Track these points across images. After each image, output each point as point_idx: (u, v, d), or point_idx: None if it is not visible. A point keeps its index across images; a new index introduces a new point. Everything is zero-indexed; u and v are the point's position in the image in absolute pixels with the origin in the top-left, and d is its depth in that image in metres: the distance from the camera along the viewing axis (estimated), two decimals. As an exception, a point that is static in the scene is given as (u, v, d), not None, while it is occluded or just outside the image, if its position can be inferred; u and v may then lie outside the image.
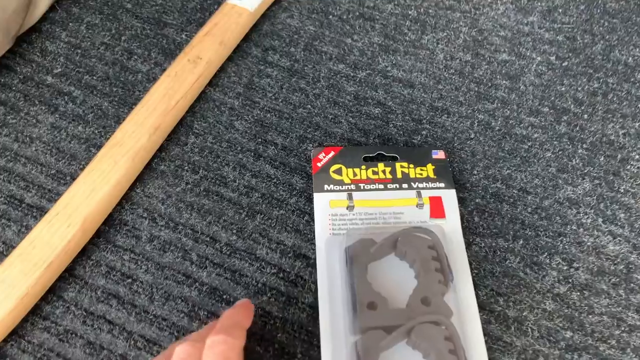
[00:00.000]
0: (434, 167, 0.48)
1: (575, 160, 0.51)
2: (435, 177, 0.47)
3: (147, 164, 0.49)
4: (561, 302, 0.43)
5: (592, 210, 0.48)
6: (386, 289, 0.40)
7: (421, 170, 0.47)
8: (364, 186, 0.47)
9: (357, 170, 0.47)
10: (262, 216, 0.47)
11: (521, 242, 0.46)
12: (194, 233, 0.46)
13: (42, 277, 0.41)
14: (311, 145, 0.50)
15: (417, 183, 0.47)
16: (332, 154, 0.48)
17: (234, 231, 0.46)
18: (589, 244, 0.46)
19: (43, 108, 0.52)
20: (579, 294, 0.44)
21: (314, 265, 0.45)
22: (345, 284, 0.42)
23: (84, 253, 0.45)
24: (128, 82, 0.54)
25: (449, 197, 0.46)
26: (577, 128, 0.53)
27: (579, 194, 0.49)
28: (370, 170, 0.47)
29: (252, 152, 0.50)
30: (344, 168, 0.47)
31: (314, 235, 0.46)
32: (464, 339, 0.39)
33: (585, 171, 0.50)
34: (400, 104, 0.53)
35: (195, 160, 0.49)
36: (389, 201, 0.46)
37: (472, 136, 0.52)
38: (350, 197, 0.46)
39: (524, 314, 0.43)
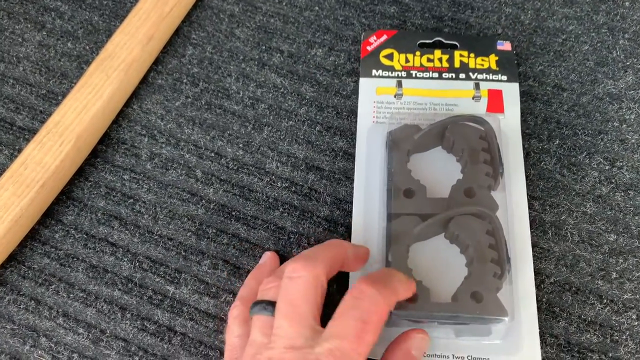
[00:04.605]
0: (497, 58, 0.43)
1: (616, 52, 0.45)
2: (497, 68, 0.42)
3: (143, 78, 0.45)
4: (603, 203, 0.39)
5: (636, 105, 0.43)
6: (427, 178, 0.37)
7: (482, 60, 0.43)
8: (416, 74, 0.43)
9: (410, 56, 0.43)
10: (270, 128, 0.43)
11: (557, 142, 0.42)
12: (197, 149, 0.42)
13: (36, 198, 0.38)
14: (321, 50, 0.46)
15: (476, 74, 0.42)
16: (384, 37, 0.44)
17: (240, 145, 0.42)
18: (632, 140, 0.42)
19: (29, 26, 0.48)
20: (623, 194, 0.40)
21: (328, 177, 0.41)
22: (383, 171, 0.39)
23: (81, 174, 0.42)
24: (118, -7, 0.49)
25: (511, 91, 0.42)
26: (618, 17, 0.47)
27: (621, 88, 0.44)
28: (425, 57, 0.43)
29: (255, 61, 0.46)
30: (395, 53, 0.43)
31: (327, 146, 0.42)
32: (508, 237, 0.35)
33: (628, 63, 0.45)
34: (418, 1, 0.48)
35: (194, 72, 0.45)
36: (443, 91, 0.42)
37: (500, 32, 0.46)
38: (399, 85, 0.42)
39: (562, 217, 0.39)
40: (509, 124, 0.41)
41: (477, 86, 0.42)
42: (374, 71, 0.43)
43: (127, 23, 0.45)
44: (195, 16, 0.48)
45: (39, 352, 0.36)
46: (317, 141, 0.42)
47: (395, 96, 0.42)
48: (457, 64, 0.43)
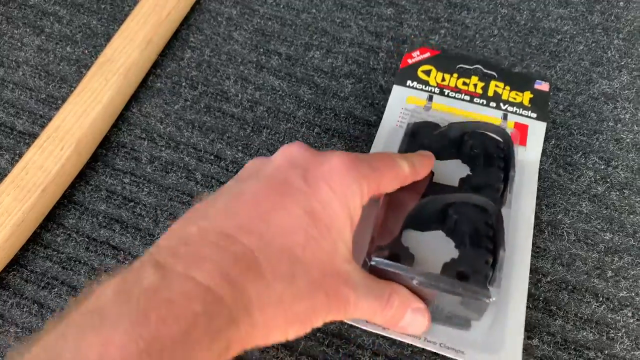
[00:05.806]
0: (531, 95, 0.43)
1: (611, 52, 0.46)
2: (529, 105, 0.43)
3: (142, 81, 0.45)
4: (599, 202, 0.40)
5: (631, 105, 0.43)
6: (438, 173, 0.37)
7: (516, 94, 0.43)
8: (448, 92, 0.43)
9: (447, 76, 0.44)
10: (268, 131, 0.43)
11: (553, 141, 0.42)
12: (196, 152, 0.43)
13: (37, 203, 0.38)
14: (318, 52, 0.46)
15: (507, 105, 0.43)
16: (427, 55, 0.45)
17: (240, 148, 0.43)
18: (627, 140, 0.42)
19: (28, 30, 0.48)
20: (618, 193, 0.40)
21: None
22: None
23: (82, 178, 0.42)
24: (116, -3, 0.50)
25: (537, 129, 0.41)
26: (612, 17, 0.47)
27: (616, 87, 0.44)
28: (461, 80, 0.44)
29: (253, 63, 0.46)
30: (434, 70, 0.44)
31: (325, 149, 0.42)
32: (508, 241, 0.35)
33: (622, 63, 0.45)
34: (414, 3, 0.48)
35: (193, 75, 0.46)
36: (470, 114, 0.42)
37: (496, 32, 0.47)
38: (430, 99, 0.43)
39: (558, 217, 0.39)
40: (527, 158, 0.40)
41: (505, 117, 0.42)
42: (408, 82, 0.44)
43: (126, 27, 0.45)
44: (194, 19, 0.48)
45: (43, 354, 0.36)
46: (316, 143, 0.43)
47: (424, 108, 0.43)
48: (490, 93, 0.43)
